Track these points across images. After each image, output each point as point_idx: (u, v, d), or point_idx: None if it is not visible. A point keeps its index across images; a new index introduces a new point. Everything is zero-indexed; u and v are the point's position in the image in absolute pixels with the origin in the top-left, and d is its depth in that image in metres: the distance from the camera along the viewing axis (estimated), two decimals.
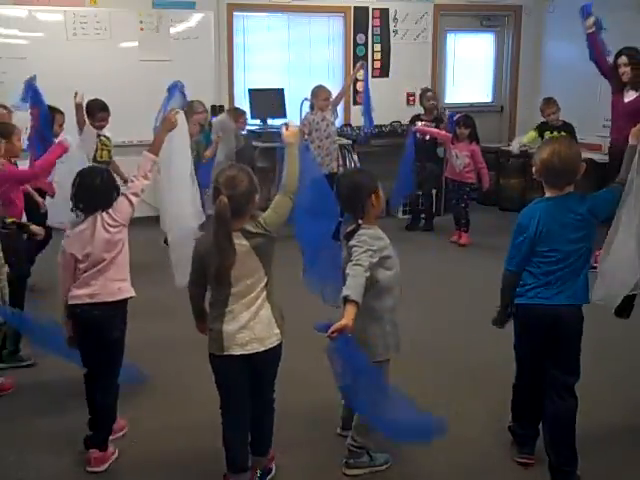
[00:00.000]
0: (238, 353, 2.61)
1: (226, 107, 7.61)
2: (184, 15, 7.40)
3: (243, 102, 7.74)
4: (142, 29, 7.25)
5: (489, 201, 8.27)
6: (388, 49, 8.35)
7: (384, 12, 8.26)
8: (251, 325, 2.61)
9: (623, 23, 7.29)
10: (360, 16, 8.19)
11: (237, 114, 6.86)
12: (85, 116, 5.42)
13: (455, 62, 8.89)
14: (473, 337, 4.29)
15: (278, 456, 2.97)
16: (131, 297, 3.06)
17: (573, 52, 8.16)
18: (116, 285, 3.00)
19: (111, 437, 3.10)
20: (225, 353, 2.62)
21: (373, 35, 8.28)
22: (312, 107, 6.89)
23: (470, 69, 9.02)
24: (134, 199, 3.06)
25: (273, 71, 8.01)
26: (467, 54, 8.94)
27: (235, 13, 7.71)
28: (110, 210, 2.99)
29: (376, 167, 6.82)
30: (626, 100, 5.81)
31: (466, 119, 6.73)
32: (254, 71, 7.95)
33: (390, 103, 8.14)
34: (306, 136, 6.71)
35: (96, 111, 5.48)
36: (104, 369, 3.04)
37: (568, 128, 6.47)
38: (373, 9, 8.22)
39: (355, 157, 7.63)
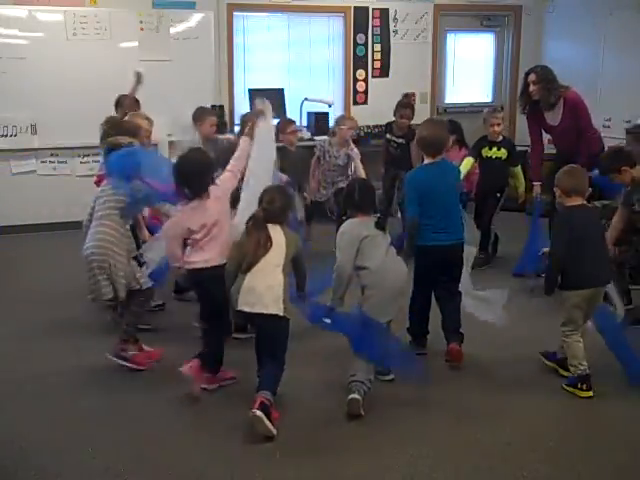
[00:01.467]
0: (246, 310, 3.37)
1: (226, 107, 7.62)
2: (184, 15, 7.39)
3: (243, 102, 7.74)
4: (142, 29, 7.24)
5: None
6: (388, 49, 8.35)
7: (384, 12, 8.26)
8: (261, 293, 3.35)
9: (623, 23, 7.30)
10: (360, 16, 8.18)
11: (285, 124, 6.10)
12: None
13: (455, 62, 8.88)
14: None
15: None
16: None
17: (573, 52, 8.17)
18: (222, 249, 3.57)
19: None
20: (238, 308, 3.40)
21: (373, 35, 8.28)
22: (333, 133, 6.49)
23: (470, 69, 9.02)
24: (238, 175, 3.73)
25: (273, 71, 8.01)
26: (467, 54, 8.93)
27: (235, 13, 7.71)
28: (217, 183, 3.60)
29: (376, 167, 6.88)
30: (554, 123, 5.54)
31: (450, 124, 5.58)
32: (254, 71, 7.94)
33: (390, 103, 8.06)
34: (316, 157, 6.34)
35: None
36: (216, 319, 3.68)
37: (508, 145, 5.97)
38: (373, 9, 8.22)
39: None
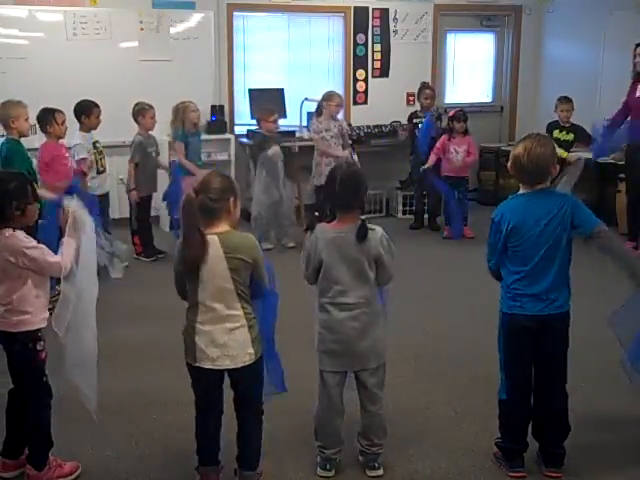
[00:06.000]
0: (208, 367, 2.66)
1: (226, 107, 7.61)
2: (184, 15, 7.39)
3: (243, 102, 7.75)
4: (142, 29, 7.24)
5: (489, 201, 8.27)
6: (388, 49, 8.35)
7: (384, 12, 8.26)
8: (223, 342, 2.63)
9: (623, 23, 7.30)
10: (360, 16, 8.18)
11: (265, 114, 6.48)
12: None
13: (455, 62, 8.89)
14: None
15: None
16: None
17: (573, 52, 8.17)
18: None
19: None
20: (196, 364, 2.67)
21: (373, 35, 8.28)
22: (319, 112, 6.73)
23: (470, 69, 9.02)
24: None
25: (273, 71, 8.01)
26: (467, 54, 8.93)
27: (235, 13, 7.71)
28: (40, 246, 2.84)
29: (376, 167, 6.88)
30: (637, 94, 5.94)
31: (462, 114, 6.97)
32: (254, 71, 7.95)
33: (390, 103, 8.14)
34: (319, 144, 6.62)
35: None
36: None
37: (575, 129, 6.59)
38: (373, 9, 8.22)
39: (355, 157, 7.62)
